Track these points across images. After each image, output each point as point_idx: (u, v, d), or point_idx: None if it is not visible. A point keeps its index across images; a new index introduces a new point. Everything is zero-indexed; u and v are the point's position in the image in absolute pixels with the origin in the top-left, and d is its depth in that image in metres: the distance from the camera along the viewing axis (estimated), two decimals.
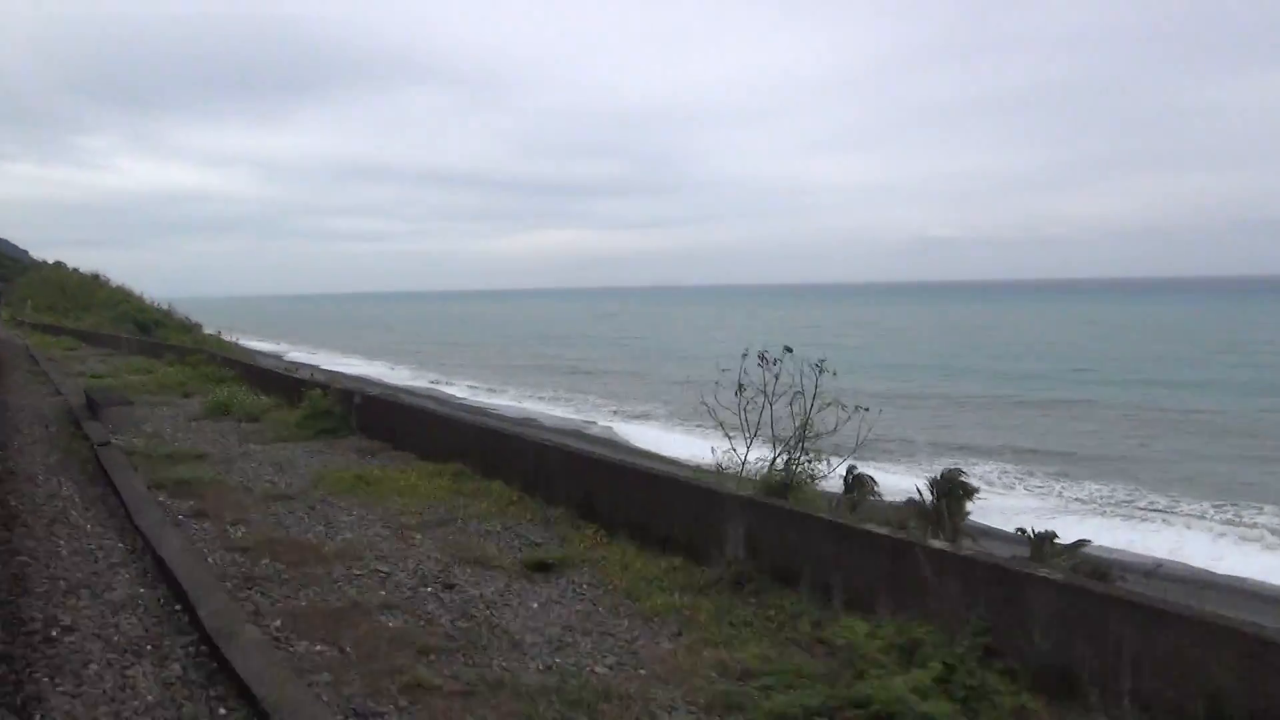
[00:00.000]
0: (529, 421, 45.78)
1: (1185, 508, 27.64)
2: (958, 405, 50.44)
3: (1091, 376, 62.91)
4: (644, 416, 52.81)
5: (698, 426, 46.59)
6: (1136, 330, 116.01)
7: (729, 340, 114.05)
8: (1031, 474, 33.10)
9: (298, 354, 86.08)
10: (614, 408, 56.64)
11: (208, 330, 46.24)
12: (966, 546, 8.53)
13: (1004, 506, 27.01)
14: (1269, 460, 33.89)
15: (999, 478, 32.98)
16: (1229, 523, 25.43)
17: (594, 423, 49.51)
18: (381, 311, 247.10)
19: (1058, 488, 31.10)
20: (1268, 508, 26.77)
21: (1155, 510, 27.45)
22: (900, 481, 31.66)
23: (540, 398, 61.58)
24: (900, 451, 36.77)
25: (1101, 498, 29.44)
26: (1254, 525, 25.04)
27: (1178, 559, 21.76)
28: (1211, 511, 26.84)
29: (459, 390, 64.77)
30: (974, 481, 12.67)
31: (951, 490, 12.50)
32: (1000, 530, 19.95)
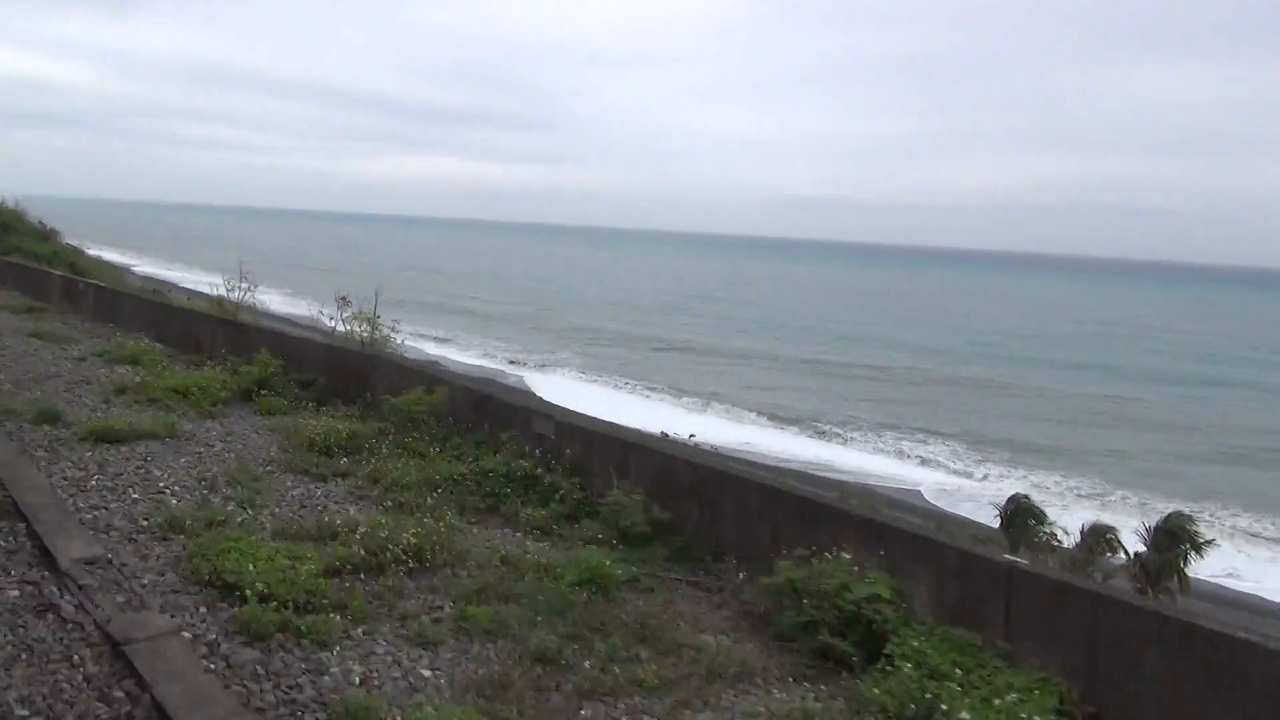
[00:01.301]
0: (434, 365, 41.73)
1: (1160, 506, 26.78)
2: (883, 378, 49.26)
3: (998, 351, 63.38)
4: (553, 365, 49.71)
5: (626, 383, 43.99)
6: (1012, 303, 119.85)
7: (625, 287, 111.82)
8: (986, 459, 31.79)
9: (148, 268, 78.40)
10: (515, 354, 53.29)
11: (68, 240, 39.60)
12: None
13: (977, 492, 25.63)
14: (1215, 458, 33.85)
15: (951, 459, 31.55)
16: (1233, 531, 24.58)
17: (504, 372, 46.01)
18: (244, 228, 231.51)
19: (1019, 475, 29.84)
20: (1242, 511, 26.11)
21: (1134, 505, 26.42)
22: (865, 462, 30.17)
23: (437, 339, 57.27)
24: (850, 424, 35.12)
25: (1068, 489, 28.31)
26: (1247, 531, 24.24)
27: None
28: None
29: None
30: (1202, 530, 10.04)
31: (1176, 542, 9.72)
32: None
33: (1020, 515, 10.25)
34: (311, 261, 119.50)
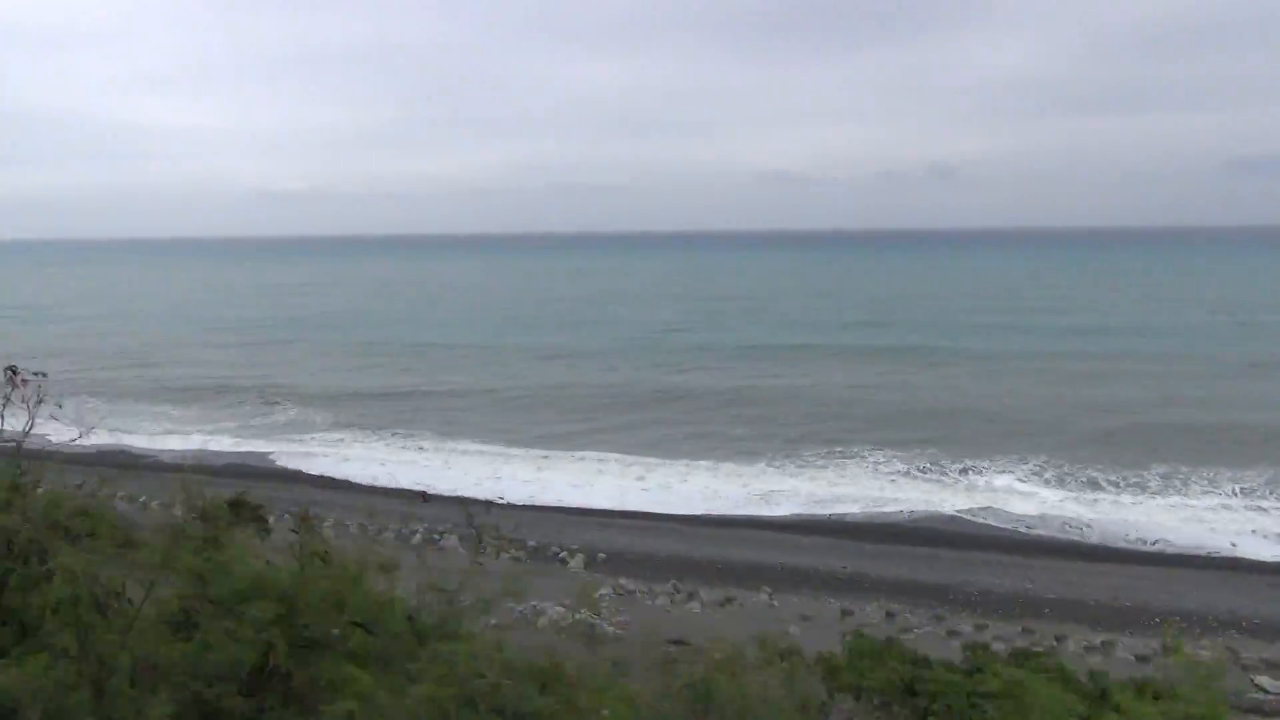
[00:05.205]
0: None
1: None
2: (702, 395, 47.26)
3: (734, 342, 64.62)
4: (299, 432, 39.82)
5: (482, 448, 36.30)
6: (582, 283, 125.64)
7: (179, 311, 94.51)
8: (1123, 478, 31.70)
9: None
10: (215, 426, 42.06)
11: None
12: None
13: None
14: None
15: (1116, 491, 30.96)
16: None
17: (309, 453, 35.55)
18: None
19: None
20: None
21: None
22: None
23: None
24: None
25: None
26: None
27: None
28: None
29: None
30: None
31: None
32: None
33: None
34: None
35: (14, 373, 8.08)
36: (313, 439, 38.97)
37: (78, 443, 38.81)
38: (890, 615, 18.08)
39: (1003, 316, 77.68)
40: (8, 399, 7.98)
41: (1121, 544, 24.72)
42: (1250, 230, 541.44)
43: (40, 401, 8.50)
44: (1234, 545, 24.46)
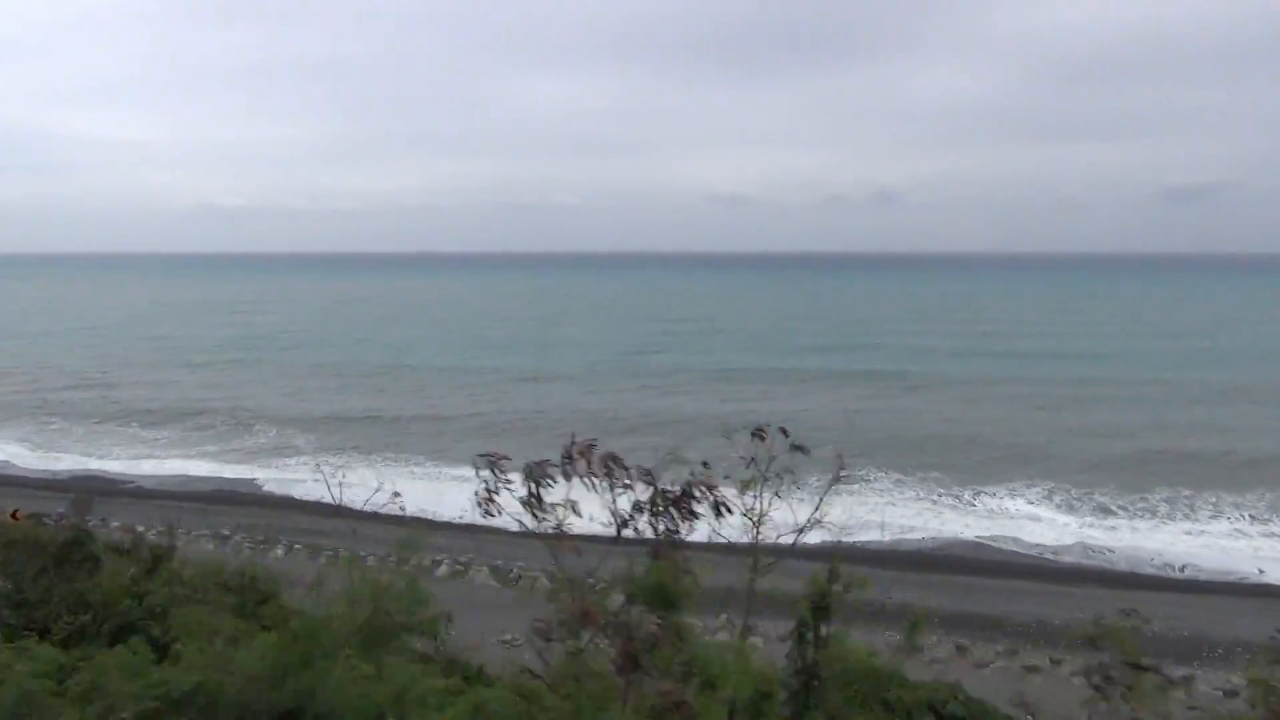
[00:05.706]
0: None
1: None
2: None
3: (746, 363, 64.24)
4: (281, 456, 38.33)
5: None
6: (535, 304, 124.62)
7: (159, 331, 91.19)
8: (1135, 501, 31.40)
9: None
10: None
11: None
12: None
13: None
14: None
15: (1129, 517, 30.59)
16: None
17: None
18: None
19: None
20: None
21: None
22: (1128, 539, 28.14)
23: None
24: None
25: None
26: None
27: None
28: None
29: None
30: None
31: None
32: None
33: None
34: None
35: (763, 433, 5.60)
36: (299, 463, 37.62)
37: (58, 471, 36.86)
38: (960, 649, 17.56)
39: (973, 341, 78.54)
40: (752, 463, 5.61)
41: (1150, 570, 24.65)
42: (1182, 258, 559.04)
43: (840, 475, 6.09)
44: (1261, 572, 24.48)
